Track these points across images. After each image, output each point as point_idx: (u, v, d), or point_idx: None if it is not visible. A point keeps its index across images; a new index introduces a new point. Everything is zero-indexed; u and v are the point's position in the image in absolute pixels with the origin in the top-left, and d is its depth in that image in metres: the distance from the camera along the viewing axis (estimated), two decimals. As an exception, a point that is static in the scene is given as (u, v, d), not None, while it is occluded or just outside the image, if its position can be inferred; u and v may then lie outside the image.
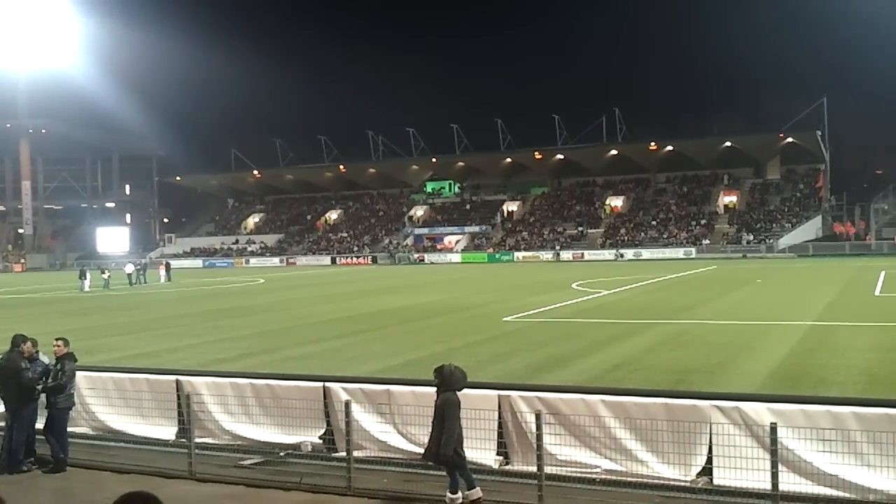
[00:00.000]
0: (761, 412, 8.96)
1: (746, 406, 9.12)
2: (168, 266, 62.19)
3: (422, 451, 10.08)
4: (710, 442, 9.14)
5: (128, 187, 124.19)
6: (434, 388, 9.32)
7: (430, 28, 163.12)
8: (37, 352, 11.39)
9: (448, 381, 9.10)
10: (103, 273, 52.00)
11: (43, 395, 11.15)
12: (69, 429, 11.39)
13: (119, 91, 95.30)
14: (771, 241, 78.06)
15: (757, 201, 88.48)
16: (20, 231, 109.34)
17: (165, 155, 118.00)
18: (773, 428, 8.45)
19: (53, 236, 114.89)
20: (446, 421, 8.91)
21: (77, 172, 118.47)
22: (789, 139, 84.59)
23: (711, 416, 9.17)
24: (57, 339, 11.38)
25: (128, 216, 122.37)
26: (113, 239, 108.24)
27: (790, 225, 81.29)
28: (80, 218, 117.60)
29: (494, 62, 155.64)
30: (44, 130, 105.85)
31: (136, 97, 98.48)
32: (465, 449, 9.21)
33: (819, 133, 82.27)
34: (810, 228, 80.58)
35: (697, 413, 9.25)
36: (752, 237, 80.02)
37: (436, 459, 9.12)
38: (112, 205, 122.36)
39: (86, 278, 48.98)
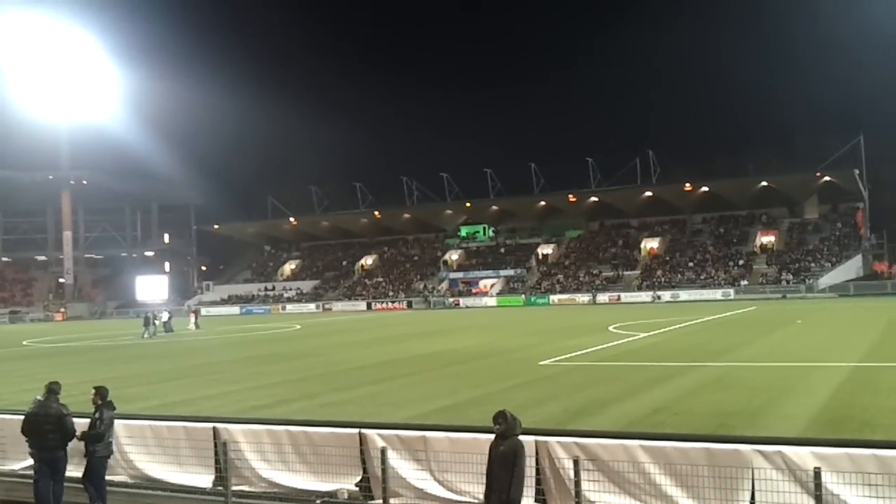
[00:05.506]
0: (805, 456, 8.76)
1: (789, 450, 8.92)
2: (197, 313, 63.81)
3: (459, 497, 9.99)
4: (753, 487, 8.93)
5: (167, 236, 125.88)
6: (491, 433, 9.00)
7: (463, 73, 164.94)
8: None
9: (513, 427, 8.93)
10: (155, 320, 52.94)
11: (80, 444, 11.19)
12: (107, 477, 11.41)
13: (157, 142, 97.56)
14: (810, 280, 77.07)
15: (795, 241, 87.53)
16: (61, 280, 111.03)
17: (203, 204, 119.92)
18: (818, 473, 8.27)
19: (94, 285, 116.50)
20: (516, 468, 8.71)
21: (117, 222, 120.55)
22: (827, 178, 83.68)
23: (753, 460, 8.98)
24: (96, 388, 11.45)
25: (167, 264, 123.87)
26: (152, 287, 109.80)
27: (830, 264, 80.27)
28: (119, 267, 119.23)
29: (527, 106, 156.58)
30: (85, 181, 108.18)
31: (174, 148, 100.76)
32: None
33: (857, 171, 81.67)
34: (850, 268, 79.48)
35: (739, 458, 9.07)
36: (791, 277, 79.06)
37: None
38: (151, 253, 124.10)
39: (148, 325, 50.01)
